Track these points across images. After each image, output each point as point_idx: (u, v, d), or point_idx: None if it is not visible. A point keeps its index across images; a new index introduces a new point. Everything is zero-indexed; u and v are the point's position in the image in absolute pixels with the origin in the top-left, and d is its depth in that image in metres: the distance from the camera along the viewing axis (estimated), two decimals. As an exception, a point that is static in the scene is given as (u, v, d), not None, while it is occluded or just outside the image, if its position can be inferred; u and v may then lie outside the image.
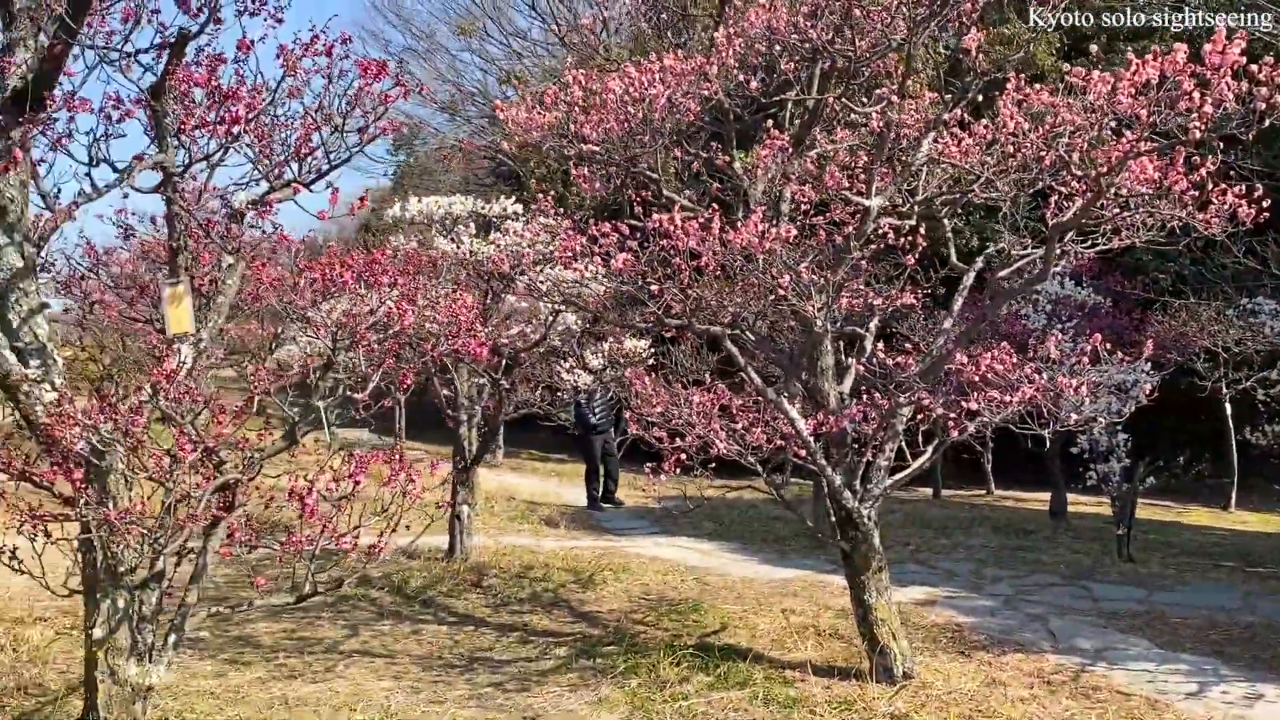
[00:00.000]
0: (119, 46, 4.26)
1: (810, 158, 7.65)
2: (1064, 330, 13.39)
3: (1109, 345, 14.92)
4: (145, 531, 4.08)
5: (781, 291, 6.34)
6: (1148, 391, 12.13)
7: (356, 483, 4.71)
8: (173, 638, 4.27)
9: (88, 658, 4.35)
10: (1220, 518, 19.29)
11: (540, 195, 8.24)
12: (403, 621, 8.55)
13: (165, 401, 3.96)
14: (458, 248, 9.52)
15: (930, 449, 7.65)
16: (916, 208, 7.69)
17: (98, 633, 4.17)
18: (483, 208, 9.76)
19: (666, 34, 15.06)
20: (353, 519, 4.76)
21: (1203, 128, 5.28)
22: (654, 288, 6.53)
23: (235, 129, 4.16)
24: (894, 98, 6.71)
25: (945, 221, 7.93)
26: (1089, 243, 7.34)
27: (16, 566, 4.41)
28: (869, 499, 7.23)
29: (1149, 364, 12.48)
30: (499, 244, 9.50)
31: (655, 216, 6.55)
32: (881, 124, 6.86)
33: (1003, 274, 7.13)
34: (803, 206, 8.12)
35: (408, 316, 4.70)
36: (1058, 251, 7.00)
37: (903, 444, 7.51)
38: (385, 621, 8.53)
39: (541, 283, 9.39)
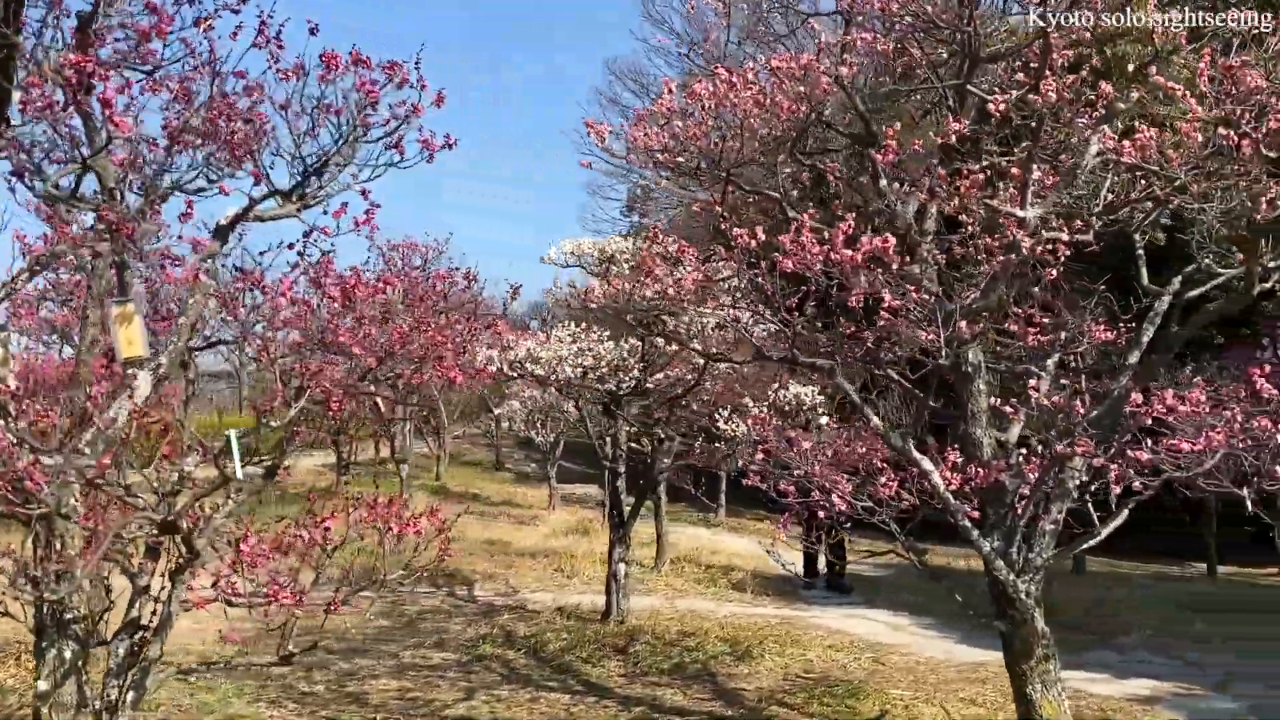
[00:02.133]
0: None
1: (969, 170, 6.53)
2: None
3: None
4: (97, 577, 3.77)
5: (885, 317, 5.33)
6: None
7: (326, 529, 4.20)
8: (131, 695, 3.92)
9: (34, 713, 4.09)
10: None
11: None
12: (526, 687, 7.99)
13: (96, 434, 3.64)
14: (607, 285, 9.02)
15: (1118, 512, 6.26)
16: (1095, 219, 6.41)
17: (42, 685, 3.89)
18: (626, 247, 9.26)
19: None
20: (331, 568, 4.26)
21: None
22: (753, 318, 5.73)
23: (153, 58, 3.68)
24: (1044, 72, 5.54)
25: (1137, 237, 6.53)
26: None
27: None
28: (1029, 570, 5.94)
29: None
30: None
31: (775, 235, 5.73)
32: (1035, 106, 5.71)
33: (1193, 295, 5.71)
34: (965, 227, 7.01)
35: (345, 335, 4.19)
36: (1271, 263, 5.53)
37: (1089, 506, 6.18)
38: (508, 686, 8.01)
39: (688, 324, 8.76)
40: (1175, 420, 5.16)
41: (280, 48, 3.96)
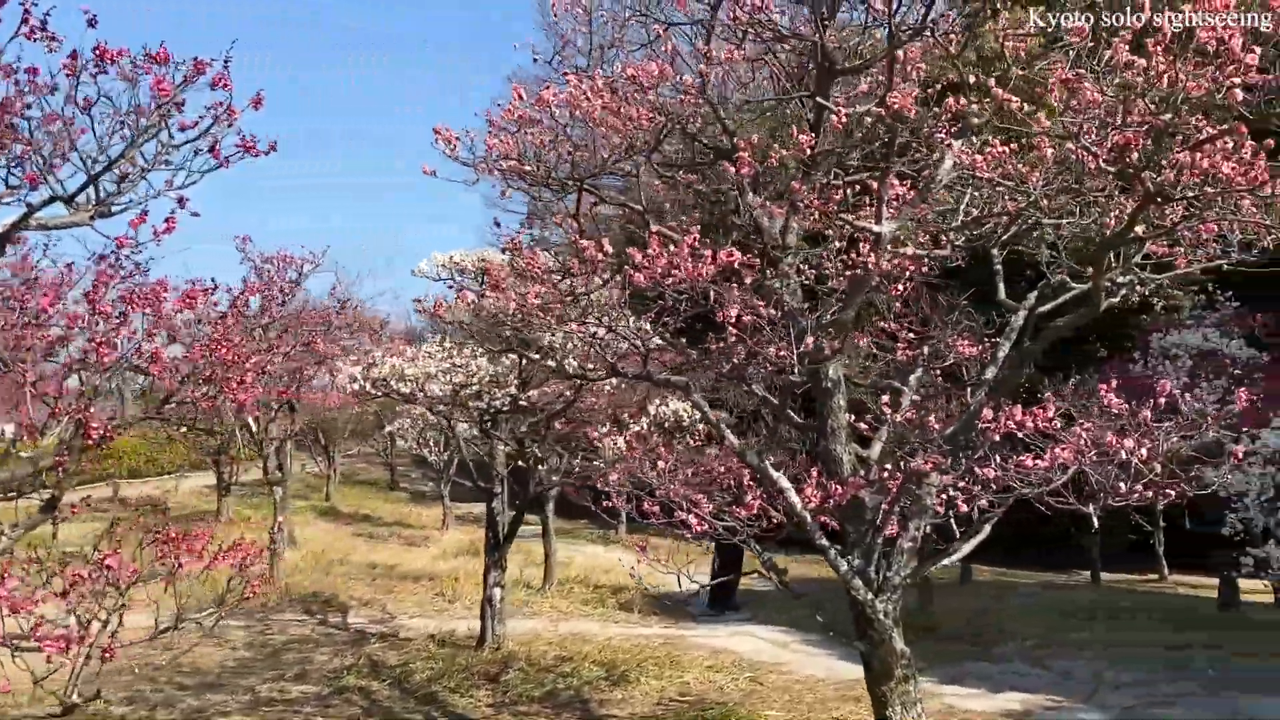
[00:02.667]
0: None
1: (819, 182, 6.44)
2: (1209, 389, 11.37)
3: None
4: None
5: (734, 332, 5.18)
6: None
7: (108, 568, 3.84)
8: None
9: None
10: None
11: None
12: (385, 721, 7.64)
13: None
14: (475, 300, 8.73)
15: (974, 531, 6.24)
16: (954, 236, 6.39)
17: None
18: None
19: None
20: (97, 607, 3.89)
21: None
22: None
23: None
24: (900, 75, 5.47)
25: (995, 251, 6.52)
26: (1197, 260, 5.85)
27: None
28: (887, 590, 5.84)
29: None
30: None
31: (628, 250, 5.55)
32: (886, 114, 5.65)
33: (1045, 309, 5.70)
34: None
35: (108, 355, 3.86)
36: (1120, 278, 5.56)
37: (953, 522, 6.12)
38: None
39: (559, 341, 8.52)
40: (1024, 436, 5.12)
41: (54, 40, 3.62)
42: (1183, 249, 5.84)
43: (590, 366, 8.02)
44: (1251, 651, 10.58)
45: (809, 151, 6.25)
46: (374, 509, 23.20)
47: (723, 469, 6.14)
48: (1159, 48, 3.96)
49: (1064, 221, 6.18)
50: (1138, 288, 5.73)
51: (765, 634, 11.57)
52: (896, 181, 6.59)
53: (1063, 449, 4.82)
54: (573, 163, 5.69)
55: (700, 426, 10.65)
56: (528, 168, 5.57)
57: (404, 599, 12.73)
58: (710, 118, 6.37)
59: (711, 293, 5.32)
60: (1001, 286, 6.51)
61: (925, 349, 7.14)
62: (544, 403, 9.56)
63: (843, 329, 6.18)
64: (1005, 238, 6.47)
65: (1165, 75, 4.10)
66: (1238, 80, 3.88)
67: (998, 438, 5.07)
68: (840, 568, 5.80)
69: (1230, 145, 4.72)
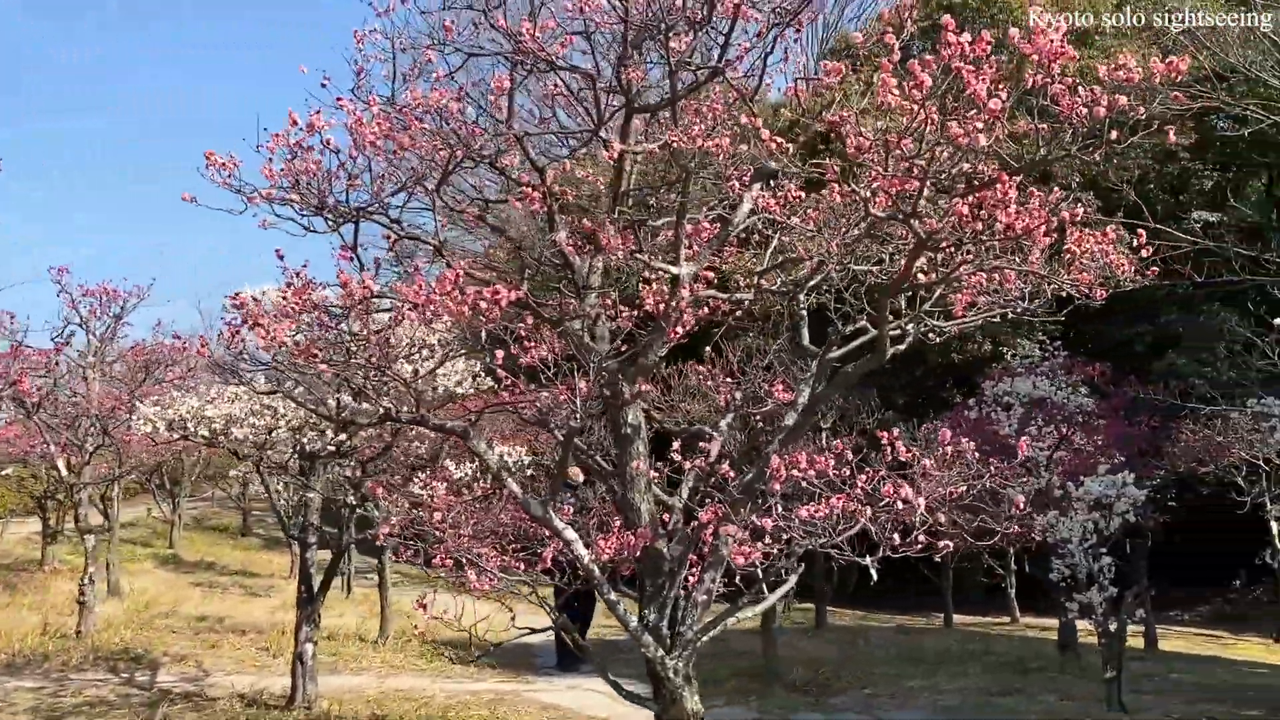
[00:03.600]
0: None
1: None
2: (1039, 435, 11.63)
3: (1117, 455, 13.05)
4: None
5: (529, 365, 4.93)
6: (1132, 505, 10.27)
7: None
8: None
9: None
10: (1271, 650, 16.79)
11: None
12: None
13: None
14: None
15: (778, 584, 6.09)
16: (758, 279, 6.29)
17: None
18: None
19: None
20: None
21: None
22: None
23: None
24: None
25: (801, 297, 6.44)
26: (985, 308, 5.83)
27: None
28: (680, 646, 5.60)
29: (1132, 475, 10.65)
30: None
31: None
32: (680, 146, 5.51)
33: (833, 355, 5.61)
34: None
35: None
36: (909, 325, 5.50)
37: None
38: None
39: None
40: (807, 484, 4.97)
41: None
42: (973, 296, 5.83)
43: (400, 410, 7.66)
44: (1080, 695, 10.75)
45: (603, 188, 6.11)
46: (220, 556, 22.08)
47: (505, 519, 5.84)
48: (913, 90, 3.88)
49: (859, 268, 6.14)
50: (931, 335, 5.67)
51: (606, 688, 11.21)
52: (705, 224, 6.50)
53: (838, 498, 4.68)
54: (347, 192, 5.37)
55: (529, 471, 10.35)
56: (294, 197, 5.22)
57: (225, 654, 11.98)
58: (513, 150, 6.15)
59: (520, 332, 5.08)
60: (805, 332, 6.42)
61: (738, 394, 7.01)
62: (367, 447, 9.11)
63: (643, 372, 5.99)
64: (812, 284, 6.41)
65: (927, 120, 4.03)
66: (980, 125, 3.82)
67: (778, 486, 4.91)
68: (629, 624, 5.54)
69: (1010, 194, 4.71)
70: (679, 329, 5.39)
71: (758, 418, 7.43)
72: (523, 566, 5.54)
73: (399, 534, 5.97)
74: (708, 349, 6.81)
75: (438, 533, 5.55)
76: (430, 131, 5.34)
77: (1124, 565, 13.12)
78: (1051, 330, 20.20)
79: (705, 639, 5.66)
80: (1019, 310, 5.46)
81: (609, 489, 6.28)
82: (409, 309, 5.00)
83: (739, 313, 7.01)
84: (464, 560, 5.49)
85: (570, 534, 5.42)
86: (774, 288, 6.66)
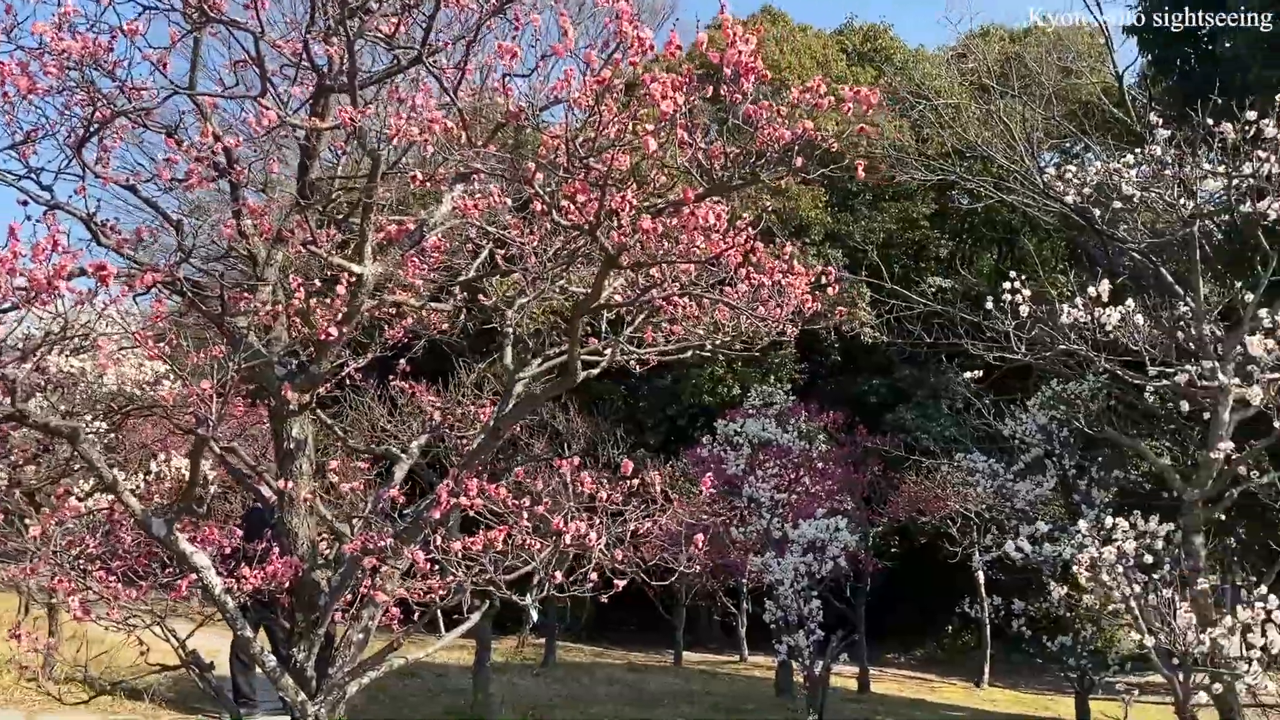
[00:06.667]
0: None
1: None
2: (764, 476, 11.78)
3: (843, 502, 13.41)
4: None
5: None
6: (845, 550, 10.53)
7: None
8: None
9: None
10: (971, 695, 17.82)
11: None
12: None
13: None
14: None
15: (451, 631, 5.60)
16: (459, 290, 5.84)
17: None
18: None
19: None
20: None
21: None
22: None
23: None
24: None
25: (510, 313, 6.00)
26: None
27: None
28: (328, 690, 4.97)
29: (845, 520, 10.95)
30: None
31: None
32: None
33: (524, 375, 5.21)
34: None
35: None
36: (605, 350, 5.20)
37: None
38: None
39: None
40: (477, 515, 4.52)
41: None
42: (685, 329, 5.61)
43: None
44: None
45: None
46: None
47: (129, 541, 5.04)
48: (594, 84, 3.55)
49: (577, 290, 5.81)
50: (628, 359, 5.37)
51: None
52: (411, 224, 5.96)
53: (498, 531, 4.24)
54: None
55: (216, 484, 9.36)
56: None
57: None
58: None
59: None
60: (509, 351, 6.00)
61: (436, 415, 6.49)
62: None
63: (314, 381, 5.36)
64: (523, 301, 6.01)
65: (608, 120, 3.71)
66: (650, 126, 3.53)
67: (438, 514, 4.42)
68: (266, 664, 4.86)
69: (708, 218, 4.48)
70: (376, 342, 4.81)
71: (462, 440, 6.92)
72: (137, 594, 4.75)
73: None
74: (401, 363, 6.23)
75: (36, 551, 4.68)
76: (78, 84, 4.55)
77: (845, 609, 13.55)
78: (797, 379, 20.95)
79: (357, 685, 5.05)
80: (715, 345, 5.25)
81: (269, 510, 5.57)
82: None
83: (445, 328, 6.52)
84: (70, 584, 4.65)
85: (201, 559, 4.69)
86: (490, 303, 6.22)
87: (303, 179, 5.55)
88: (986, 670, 18.33)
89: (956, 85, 21.77)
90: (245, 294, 5.50)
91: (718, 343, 5.27)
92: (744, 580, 15.17)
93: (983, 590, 17.68)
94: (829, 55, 23.52)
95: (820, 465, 13.65)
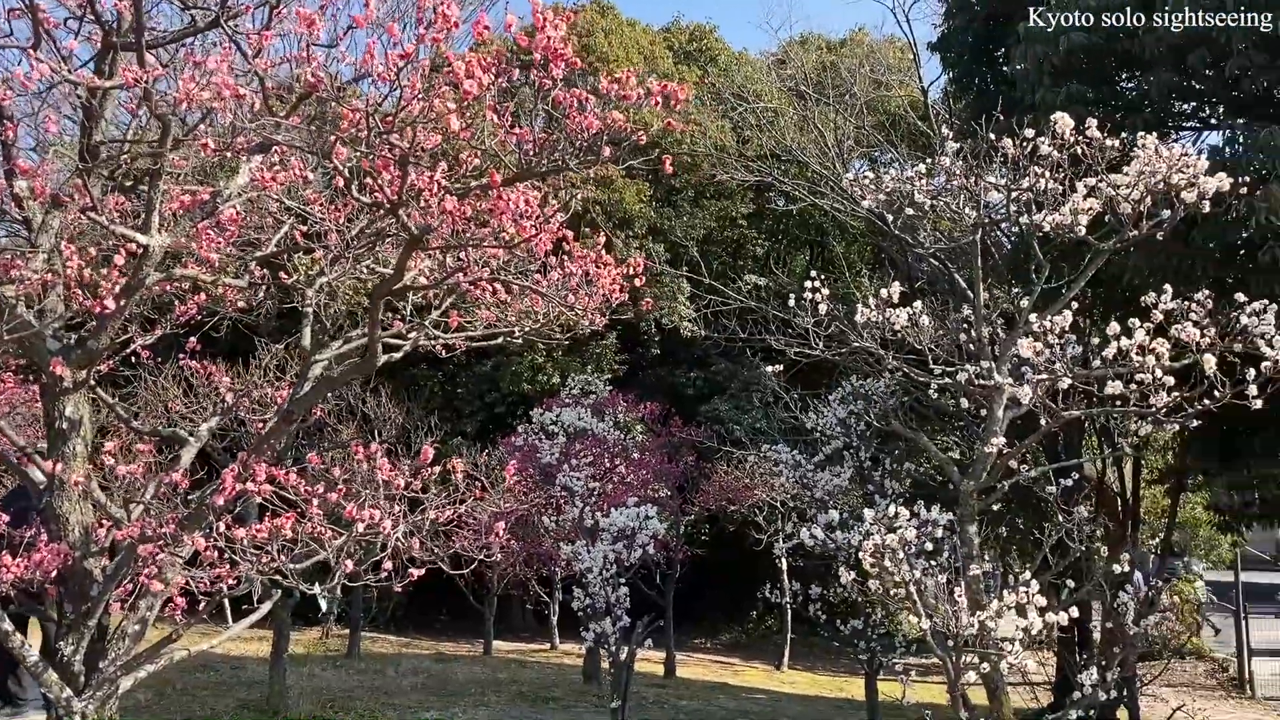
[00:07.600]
0: None
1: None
2: (577, 465, 11.87)
3: (660, 490, 13.61)
4: None
5: None
6: (653, 537, 10.72)
7: None
8: None
9: None
10: (772, 677, 18.50)
11: None
12: None
13: None
14: None
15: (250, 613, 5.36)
16: (257, 267, 5.59)
17: None
18: None
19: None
20: None
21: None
22: None
23: None
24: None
25: (310, 292, 5.77)
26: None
27: None
28: (98, 686, 4.67)
29: (657, 510, 11.16)
30: None
31: None
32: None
33: (322, 357, 5.05)
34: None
35: None
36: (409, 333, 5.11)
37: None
38: None
39: None
40: (267, 502, 4.34)
41: None
42: (498, 315, 5.56)
43: None
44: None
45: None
46: None
47: None
48: (394, 61, 3.46)
49: (382, 270, 5.66)
50: (438, 348, 5.28)
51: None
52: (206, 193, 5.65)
53: (284, 518, 4.09)
54: None
55: None
56: None
57: None
58: None
59: None
60: (308, 332, 5.78)
61: (229, 397, 6.20)
62: None
63: (91, 357, 5.01)
64: (326, 280, 5.80)
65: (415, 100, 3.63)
66: (452, 104, 3.48)
67: (221, 500, 4.22)
68: (28, 659, 4.52)
69: (519, 204, 4.45)
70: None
71: (260, 424, 6.63)
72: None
73: None
74: (191, 340, 5.91)
75: None
76: None
77: (655, 596, 13.78)
78: (618, 370, 21.16)
79: (132, 679, 4.76)
80: (526, 331, 5.24)
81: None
82: None
83: (243, 306, 6.23)
84: None
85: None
86: (290, 281, 5.97)
87: (84, 140, 5.18)
88: (786, 654, 19.05)
89: (776, 90, 22.47)
90: (16, 260, 5.10)
91: (528, 329, 5.25)
92: (557, 569, 15.23)
93: (785, 577, 18.35)
94: (656, 51, 23.82)
95: (636, 455, 13.84)
